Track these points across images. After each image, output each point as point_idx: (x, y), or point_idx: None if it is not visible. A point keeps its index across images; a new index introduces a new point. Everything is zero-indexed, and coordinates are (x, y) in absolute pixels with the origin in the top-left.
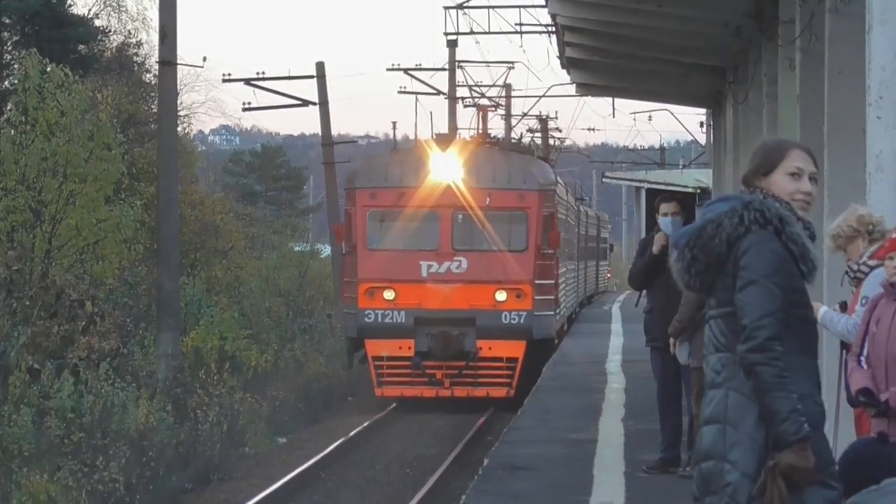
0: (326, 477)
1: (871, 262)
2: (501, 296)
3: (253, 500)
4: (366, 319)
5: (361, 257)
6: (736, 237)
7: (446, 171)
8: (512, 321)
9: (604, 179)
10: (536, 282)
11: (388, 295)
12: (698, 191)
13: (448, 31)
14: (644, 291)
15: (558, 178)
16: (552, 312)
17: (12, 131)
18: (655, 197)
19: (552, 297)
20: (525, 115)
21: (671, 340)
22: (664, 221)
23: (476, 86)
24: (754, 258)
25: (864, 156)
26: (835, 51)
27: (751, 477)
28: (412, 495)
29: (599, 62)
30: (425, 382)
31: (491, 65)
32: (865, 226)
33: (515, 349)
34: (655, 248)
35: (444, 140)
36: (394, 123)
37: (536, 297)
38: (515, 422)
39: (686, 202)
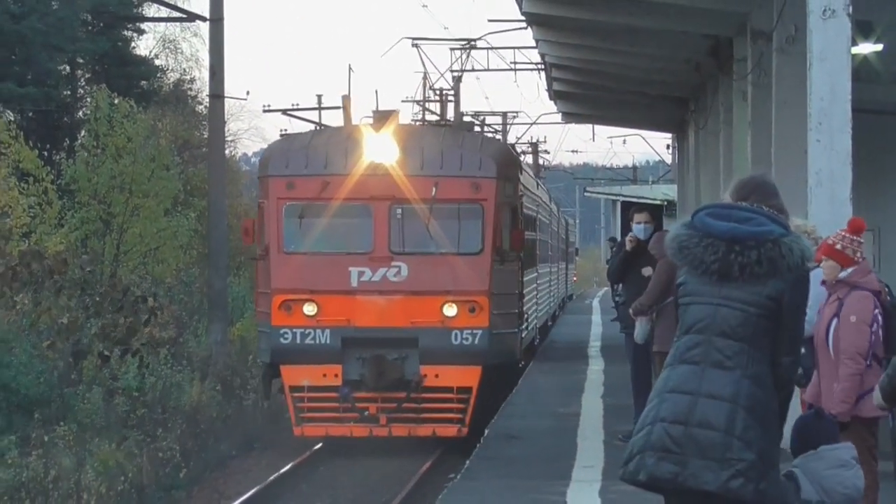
0: (350, 445)
1: (809, 265)
2: (450, 310)
3: (290, 465)
4: (281, 340)
5: (276, 263)
6: (794, 266)
7: (382, 154)
8: (464, 342)
9: (585, 193)
10: (494, 292)
11: (309, 309)
12: (665, 203)
13: (454, 68)
14: (619, 287)
15: (524, 167)
16: (515, 330)
17: (86, 154)
18: (629, 208)
19: (515, 311)
20: (518, 139)
21: (630, 312)
22: (637, 228)
23: (479, 113)
24: (803, 292)
25: (805, 173)
26: (781, 84)
27: (764, 458)
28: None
29: (581, 94)
30: (356, 419)
31: (450, 42)
32: (801, 234)
33: (468, 376)
34: (628, 247)
35: (383, 118)
36: (318, 97)
37: (494, 312)
38: (510, 399)
39: (655, 212)
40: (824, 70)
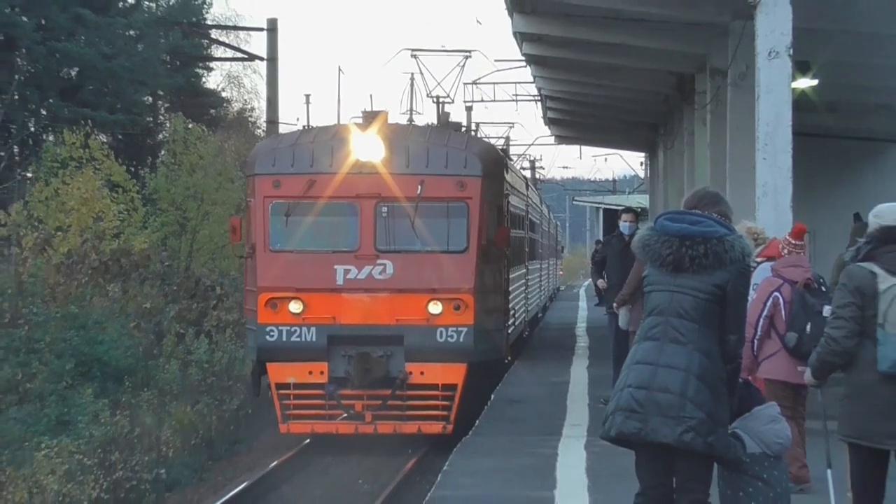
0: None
1: (758, 259)
2: (436, 308)
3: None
4: (267, 338)
5: (262, 261)
6: (735, 259)
7: (368, 152)
8: (449, 339)
9: (574, 202)
10: (480, 290)
11: (295, 307)
12: (639, 209)
13: (466, 100)
14: (603, 282)
15: (510, 165)
16: (500, 327)
17: (165, 169)
18: (611, 214)
19: (500, 309)
20: (520, 156)
21: (614, 305)
22: (623, 225)
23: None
24: (745, 281)
25: (754, 185)
26: (734, 113)
27: (713, 417)
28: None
29: (571, 120)
30: (342, 416)
31: (450, 53)
32: (752, 234)
33: (453, 374)
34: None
35: (371, 118)
36: (307, 96)
37: (479, 309)
38: (513, 370)
39: (637, 214)
40: (769, 101)
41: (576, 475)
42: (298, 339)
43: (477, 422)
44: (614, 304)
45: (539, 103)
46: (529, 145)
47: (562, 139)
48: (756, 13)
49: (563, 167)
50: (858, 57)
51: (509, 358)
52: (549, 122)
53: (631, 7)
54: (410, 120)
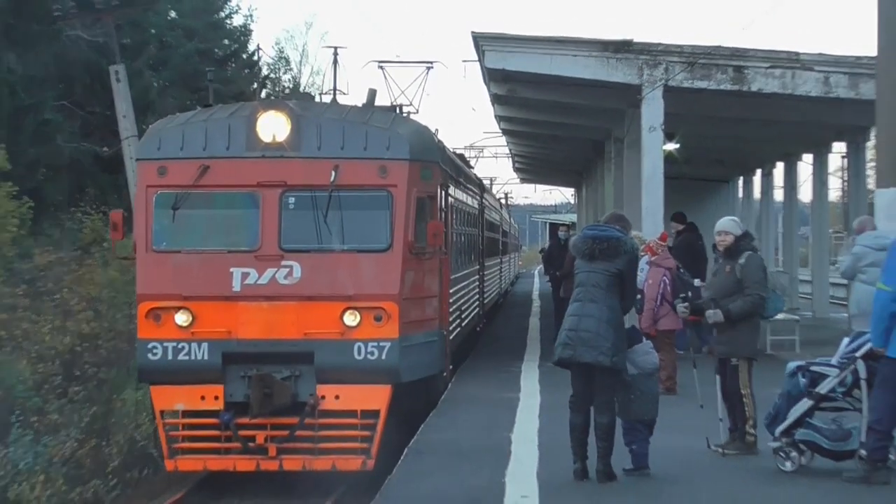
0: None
1: (643, 253)
2: (352, 319)
3: None
4: (149, 356)
5: (143, 263)
6: (627, 251)
7: (273, 132)
8: (369, 356)
9: (531, 219)
10: (406, 297)
11: (182, 319)
12: (571, 224)
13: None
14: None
15: (447, 148)
16: (435, 338)
17: None
18: (555, 228)
19: (435, 317)
20: (498, 192)
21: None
22: (562, 234)
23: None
24: (634, 265)
25: (640, 209)
26: (629, 164)
27: (615, 346)
28: None
29: (529, 168)
30: (240, 449)
31: (410, 65)
32: (638, 238)
33: (375, 397)
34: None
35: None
36: (209, 71)
37: (406, 320)
38: (493, 320)
39: (570, 227)
40: (649, 159)
41: (532, 384)
42: (187, 358)
43: (471, 354)
44: (559, 277)
45: (510, 158)
46: (505, 183)
47: (524, 180)
48: (641, 103)
49: (525, 197)
50: (702, 130)
51: (450, 368)
52: (516, 170)
53: (566, 99)
54: (333, 100)
